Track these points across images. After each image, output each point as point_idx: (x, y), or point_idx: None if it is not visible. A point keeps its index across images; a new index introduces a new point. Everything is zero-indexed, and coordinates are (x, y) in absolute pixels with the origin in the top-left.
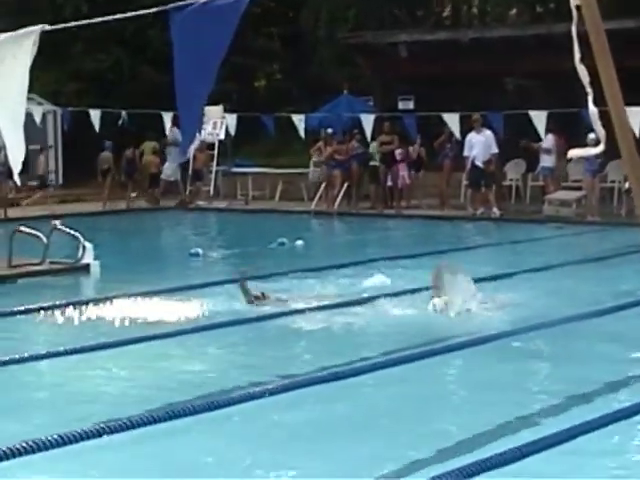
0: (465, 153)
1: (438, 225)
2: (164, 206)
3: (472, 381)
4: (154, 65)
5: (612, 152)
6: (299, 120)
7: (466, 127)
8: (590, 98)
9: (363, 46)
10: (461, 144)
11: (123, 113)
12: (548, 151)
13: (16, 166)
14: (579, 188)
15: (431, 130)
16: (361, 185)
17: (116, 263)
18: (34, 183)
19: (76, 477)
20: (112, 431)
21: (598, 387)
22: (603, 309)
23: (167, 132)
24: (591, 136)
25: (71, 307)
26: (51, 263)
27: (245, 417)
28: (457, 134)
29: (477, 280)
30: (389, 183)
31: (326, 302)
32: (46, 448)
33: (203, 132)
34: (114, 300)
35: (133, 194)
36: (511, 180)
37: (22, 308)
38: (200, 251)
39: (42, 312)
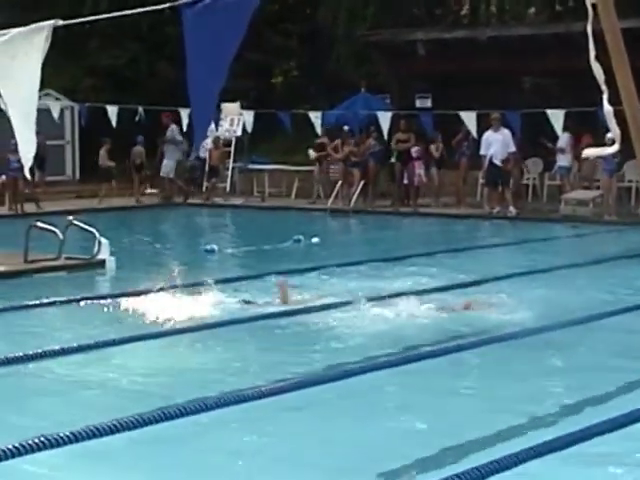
0: (482, 151)
1: (454, 223)
2: (180, 202)
3: (491, 376)
4: (171, 61)
5: (629, 152)
6: (316, 117)
7: (483, 125)
8: (605, 97)
9: (381, 44)
10: (478, 142)
11: (140, 109)
12: (563, 150)
13: (27, 162)
14: (596, 188)
15: (448, 128)
16: (377, 183)
17: (131, 259)
18: (52, 179)
19: (89, 474)
20: (127, 427)
21: (613, 388)
22: (620, 308)
23: (167, 130)
24: (609, 135)
25: (86, 302)
26: (67, 259)
27: (261, 413)
28: (474, 132)
29: (492, 279)
30: (405, 181)
31: (339, 300)
32: (59, 445)
33: (220, 129)
34: (129, 296)
35: (149, 190)
36: (528, 179)
37: (37, 303)
38: (215, 247)
39: (57, 307)
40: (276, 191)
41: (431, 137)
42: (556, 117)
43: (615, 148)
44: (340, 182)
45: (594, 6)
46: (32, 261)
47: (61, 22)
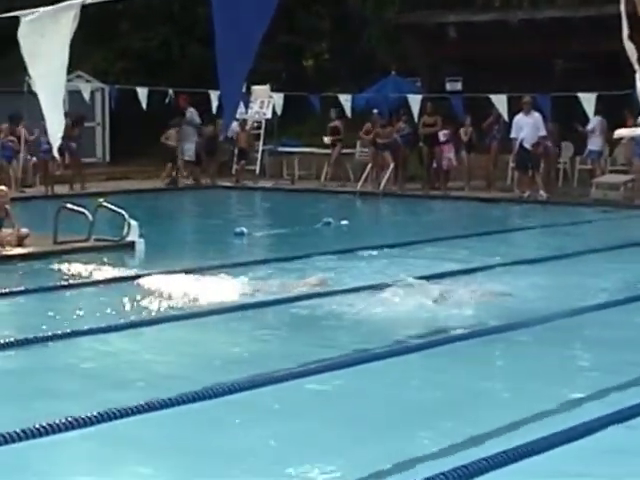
0: (512, 135)
1: (485, 207)
2: (210, 184)
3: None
4: (202, 43)
5: None
6: (346, 100)
7: (514, 109)
8: (638, 75)
9: (411, 26)
10: (508, 126)
11: (170, 91)
12: (594, 134)
13: (55, 141)
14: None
15: (479, 112)
16: (407, 166)
17: (161, 241)
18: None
19: (112, 455)
20: (153, 409)
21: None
22: None
23: (186, 112)
24: None
25: (114, 284)
26: (96, 240)
27: (283, 396)
28: (505, 116)
29: (520, 262)
30: (434, 164)
31: (368, 282)
32: (85, 425)
33: (250, 111)
34: (157, 277)
35: (178, 175)
36: (559, 163)
37: (66, 284)
38: (245, 230)
39: (86, 288)
40: (306, 174)
41: (461, 120)
42: (588, 100)
43: None
44: (370, 165)
45: None
46: (61, 242)
47: (89, 0)
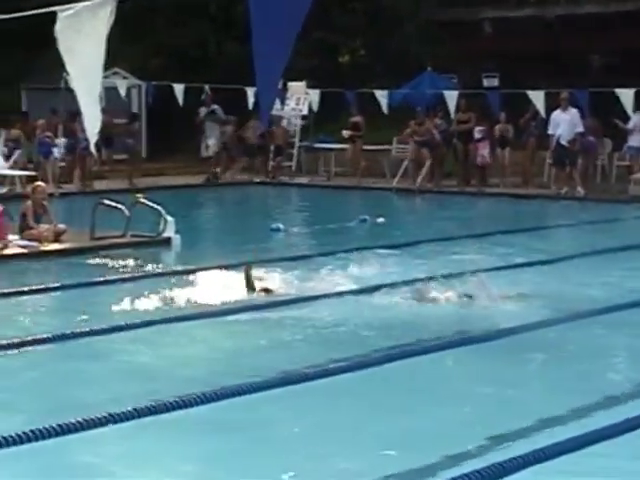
0: (550, 131)
1: (521, 204)
2: (246, 181)
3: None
4: (239, 41)
5: None
6: (382, 96)
7: (551, 104)
8: None
9: (447, 22)
10: (545, 122)
11: (206, 88)
12: (633, 130)
13: (92, 137)
14: None
15: (515, 108)
16: (444, 162)
17: (197, 237)
18: (119, 157)
19: (147, 449)
20: (186, 405)
21: None
22: None
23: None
24: None
25: (150, 280)
26: (132, 236)
27: (319, 392)
28: (542, 112)
29: (556, 260)
30: (470, 161)
31: (403, 279)
32: (121, 420)
33: (286, 108)
34: (193, 273)
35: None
36: (597, 159)
37: (103, 279)
38: (281, 226)
39: (122, 284)
40: (342, 170)
41: (497, 117)
42: (626, 97)
43: None
44: (406, 161)
45: None
46: (98, 238)
47: None
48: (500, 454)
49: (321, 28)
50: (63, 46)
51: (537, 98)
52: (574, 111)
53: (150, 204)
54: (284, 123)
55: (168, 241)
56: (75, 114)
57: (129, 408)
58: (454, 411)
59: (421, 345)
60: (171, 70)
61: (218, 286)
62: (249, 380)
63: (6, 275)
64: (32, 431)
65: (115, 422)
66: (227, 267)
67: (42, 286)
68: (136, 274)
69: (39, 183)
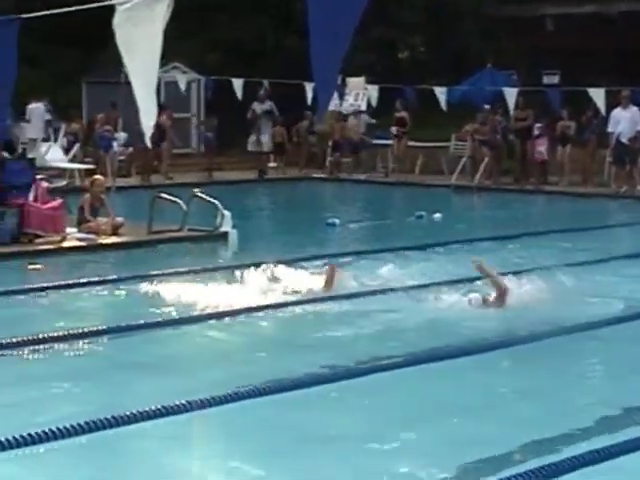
0: (610, 129)
1: (579, 202)
2: (303, 176)
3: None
4: (298, 36)
5: None
6: (441, 93)
7: (612, 102)
8: None
9: (508, 19)
10: (605, 120)
11: (265, 82)
12: None
13: (147, 130)
14: None
15: (576, 105)
16: (503, 160)
17: (253, 231)
18: (177, 151)
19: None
20: (240, 398)
21: None
22: None
23: (254, 105)
24: None
25: (207, 274)
26: (189, 230)
27: (376, 388)
28: (603, 110)
29: (614, 258)
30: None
31: (458, 277)
32: (169, 414)
33: (344, 103)
34: (249, 268)
35: (272, 164)
36: None
37: (159, 273)
38: (337, 221)
39: (178, 278)
40: (400, 166)
41: (558, 114)
42: None
43: None
44: (464, 158)
45: None
46: (155, 232)
47: None
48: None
49: (381, 24)
50: (120, 40)
51: (597, 96)
52: (635, 109)
53: (207, 198)
54: (354, 120)
55: (225, 235)
56: None
57: (183, 401)
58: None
59: (469, 344)
60: (230, 65)
61: (276, 280)
62: (306, 374)
63: (64, 267)
64: (88, 422)
65: (168, 415)
66: (283, 261)
67: (99, 278)
68: (193, 268)
69: (97, 176)
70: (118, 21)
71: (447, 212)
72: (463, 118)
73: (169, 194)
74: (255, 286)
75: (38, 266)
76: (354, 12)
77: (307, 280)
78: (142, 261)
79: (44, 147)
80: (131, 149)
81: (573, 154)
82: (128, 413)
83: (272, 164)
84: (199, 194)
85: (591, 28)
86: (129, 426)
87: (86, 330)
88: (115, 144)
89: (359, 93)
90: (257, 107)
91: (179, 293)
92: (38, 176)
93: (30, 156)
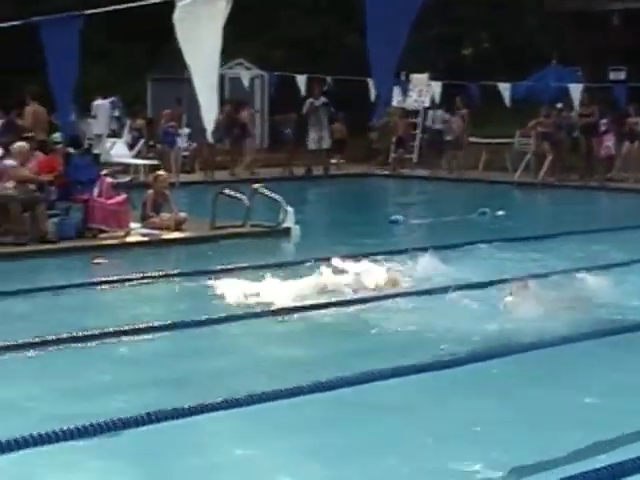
0: None
1: None
2: (365, 172)
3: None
4: (360, 33)
5: None
6: (505, 89)
7: None
8: None
9: (573, 14)
10: None
11: (328, 79)
12: None
13: (209, 125)
14: None
15: None
16: (567, 156)
17: (316, 228)
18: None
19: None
20: (298, 393)
21: None
22: None
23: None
24: None
25: (270, 269)
26: (252, 226)
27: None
28: None
29: None
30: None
31: (516, 274)
32: (229, 407)
33: (408, 99)
34: (313, 264)
35: (334, 160)
36: None
37: (221, 268)
38: (400, 218)
39: (241, 273)
40: (463, 163)
41: (624, 110)
42: None
43: None
44: (528, 155)
45: None
46: (218, 227)
47: None
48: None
49: (445, 21)
50: (181, 35)
51: None
52: None
53: (269, 194)
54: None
55: (287, 231)
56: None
57: (243, 395)
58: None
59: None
60: (293, 61)
61: (338, 276)
62: (363, 371)
63: (127, 262)
64: (150, 413)
65: (230, 407)
66: (346, 257)
67: (161, 273)
68: (255, 263)
69: (160, 172)
70: (178, 16)
71: (511, 209)
72: (527, 114)
73: (232, 190)
74: (317, 282)
75: (101, 260)
76: (411, 8)
77: (369, 277)
78: (204, 256)
79: (109, 143)
80: (195, 145)
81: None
82: (188, 406)
83: (334, 160)
84: (262, 190)
85: None
86: (188, 418)
87: (148, 324)
88: (179, 140)
89: (422, 89)
90: (312, 102)
91: (241, 288)
92: (103, 171)
93: (95, 152)
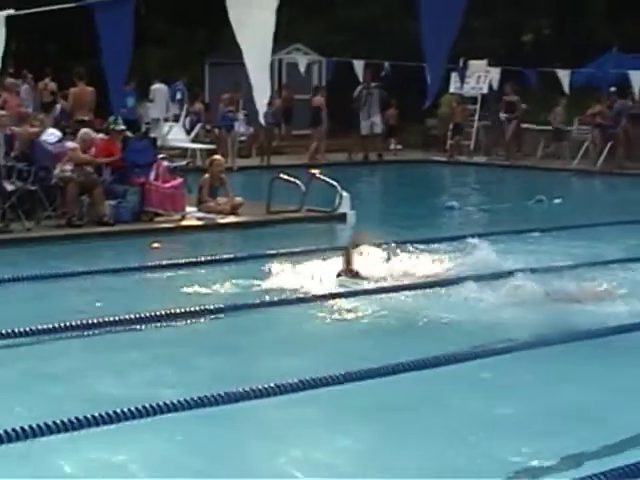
0: None
1: None
2: (422, 159)
3: None
4: (416, 19)
5: None
6: (564, 76)
7: None
8: None
9: (636, 1)
10: None
11: (386, 64)
12: None
13: (261, 108)
14: None
15: None
16: (629, 144)
17: (372, 213)
18: (298, 132)
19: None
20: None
21: None
22: None
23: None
24: None
25: (325, 253)
26: (308, 211)
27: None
28: None
29: None
30: None
31: (575, 262)
32: (281, 393)
33: (466, 86)
34: (369, 249)
35: (394, 146)
36: None
37: (276, 253)
38: (456, 204)
39: (296, 258)
40: (509, 152)
41: None
42: None
43: None
44: (587, 143)
45: None
46: (274, 212)
47: None
48: None
49: (505, 7)
50: (234, 17)
51: None
52: None
53: (326, 179)
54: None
55: (343, 217)
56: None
57: (290, 381)
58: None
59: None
60: (351, 46)
61: (394, 262)
62: (414, 358)
63: (183, 246)
64: (198, 398)
65: (278, 394)
66: (401, 243)
67: (215, 257)
68: (310, 248)
69: (216, 157)
70: (232, 1)
71: (568, 197)
72: (586, 102)
73: (289, 175)
74: (372, 267)
75: (157, 244)
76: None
77: (424, 262)
78: (260, 241)
79: (166, 127)
80: (252, 130)
81: None
82: (242, 390)
83: (392, 147)
84: (318, 175)
85: None
86: (243, 402)
87: (203, 308)
88: (237, 125)
89: (481, 76)
90: (363, 88)
91: (296, 273)
92: (160, 155)
93: (152, 136)
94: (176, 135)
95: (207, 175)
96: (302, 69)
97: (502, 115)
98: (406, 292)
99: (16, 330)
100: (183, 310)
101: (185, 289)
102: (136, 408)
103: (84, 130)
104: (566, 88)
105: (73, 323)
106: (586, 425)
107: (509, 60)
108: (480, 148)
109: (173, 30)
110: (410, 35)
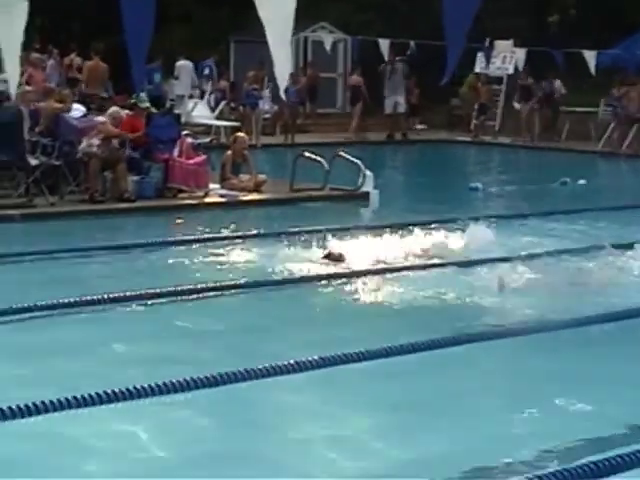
0: None
1: None
2: (447, 139)
3: None
4: None
5: None
6: (590, 57)
7: None
8: None
9: None
10: None
11: (412, 43)
12: None
13: (282, 82)
14: None
15: None
16: None
17: (395, 193)
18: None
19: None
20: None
21: None
22: None
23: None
24: None
25: (348, 232)
26: (331, 189)
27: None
28: None
29: None
30: None
31: (589, 244)
32: (307, 369)
33: (491, 66)
34: (390, 228)
35: (419, 126)
36: None
37: (298, 230)
38: (480, 185)
39: (318, 236)
40: (527, 134)
41: None
42: None
43: None
44: (612, 125)
45: None
46: (297, 190)
47: None
48: None
49: None
50: None
51: None
52: None
53: (350, 158)
54: None
55: (366, 196)
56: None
57: (315, 357)
58: None
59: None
60: (377, 25)
61: (415, 242)
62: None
63: (205, 223)
64: (220, 375)
65: (302, 370)
66: (423, 223)
67: (239, 233)
68: (334, 226)
69: (240, 134)
70: None
71: (592, 179)
72: (613, 83)
73: (313, 153)
74: (394, 247)
75: (180, 220)
76: None
77: (446, 242)
78: (283, 218)
79: (191, 103)
80: (276, 108)
81: None
82: (260, 367)
83: (418, 126)
84: (342, 154)
85: None
86: (266, 379)
87: (226, 283)
88: (261, 102)
89: (506, 56)
90: (385, 66)
91: (318, 251)
92: (184, 132)
93: (177, 112)
94: (200, 112)
95: (229, 152)
96: (328, 47)
97: (516, 104)
98: (428, 270)
99: (38, 304)
100: (204, 286)
101: (207, 265)
102: (156, 384)
103: (114, 108)
104: (592, 69)
105: (95, 297)
106: None
107: (535, 41)
108: (505, 129)
109: (198, 8)
110: (436, 14)
